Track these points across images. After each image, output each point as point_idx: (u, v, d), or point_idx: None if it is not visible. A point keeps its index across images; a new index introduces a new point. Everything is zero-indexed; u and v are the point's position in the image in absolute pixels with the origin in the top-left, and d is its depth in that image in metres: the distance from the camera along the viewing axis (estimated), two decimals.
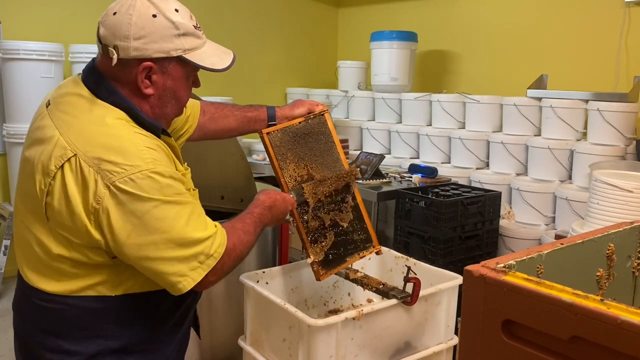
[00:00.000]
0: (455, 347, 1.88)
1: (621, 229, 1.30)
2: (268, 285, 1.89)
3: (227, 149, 2.38)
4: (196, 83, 1.36)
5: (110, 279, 1.24)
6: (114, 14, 1.21)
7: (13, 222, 1.39)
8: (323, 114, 1.74)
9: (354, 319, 1.59)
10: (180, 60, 1.25)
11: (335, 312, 2.09)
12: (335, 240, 1.75)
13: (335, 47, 5.69)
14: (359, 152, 3.79)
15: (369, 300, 2.13)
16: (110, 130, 1.19)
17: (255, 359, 1.80)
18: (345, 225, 1.76)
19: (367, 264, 2.06)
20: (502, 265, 0.98)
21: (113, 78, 1.24)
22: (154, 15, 1.20)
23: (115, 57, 1.19)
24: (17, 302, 1.37)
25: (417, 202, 2.93)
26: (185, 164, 1.42)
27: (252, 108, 1.74)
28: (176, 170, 1.26)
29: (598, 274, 1.25)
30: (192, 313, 1.49)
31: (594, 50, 3.75)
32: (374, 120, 4.47)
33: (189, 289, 1.21)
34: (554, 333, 0.84)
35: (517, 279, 0.90)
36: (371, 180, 3.30)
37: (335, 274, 1.80)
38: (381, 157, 3.46)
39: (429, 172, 3.48)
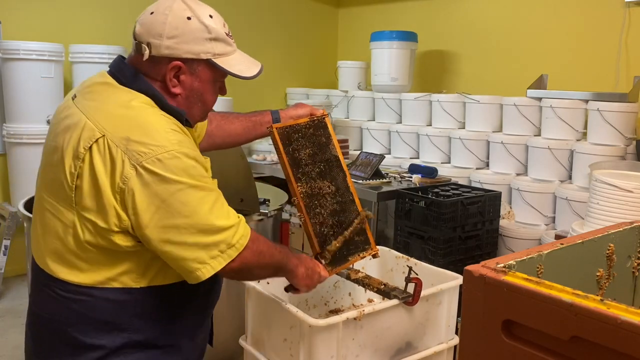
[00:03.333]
0: (455, 347, 1.88)
1: (621, 229, 1.30)
2: (269, 285, 1.89)
3: (227, 149, 2.38)
4: (223, 90, 1.40)
5: (134, 270, 1.25)
6: (151, 13, 1.27)
7: (33, 214, 1.36)
8: (324, 118, 1.77)
9: (355, 319, 1.59)
10: (209, 64, 1.29)
11: (336, 312, 2.10)
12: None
13: (335, 47, 5.69)
14: (359, 152, 3.80)
15: (370, 301, 2.13)
16: (137, 112, 1.22)
17: (257, 358, 1.80)
18: (347, 226, 1.77)
19: (368, 264, 2.06)
20: (502, 265, 0.98)
21: (145, 74, 1.28)
22: (189, 18, 1.25)
23: (147, 53, 1.24)
24: (37, 299, 1.34)
25: (417, 202, 2.94)
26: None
27: (257, 113, 1.78)
28: (203, 160, 1.29)
29: (598, 274, 1.25)
30: (211, 313, 1.50)
31: (594, 50, 3.75)
32: (374, 120, 4.47)
33: (207, 277, 1.22)
34: (554, 333, 0.84)
35: (517, 279, 0.90)
36: (371, 180, 3.30)
37: (337, 274, 1.80)
38: (381, 157, 3.46)
39: (429, 172, 3.49)
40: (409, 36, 4.35)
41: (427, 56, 4.76)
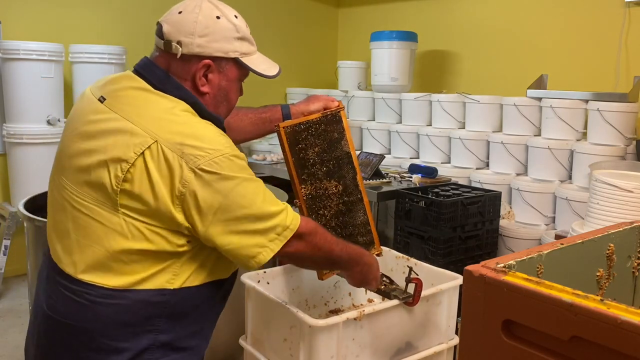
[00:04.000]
0: (455, 347, 1.88)
1: (621, 229, 1.30)
2: (269, 285, 1.90)
3: None
4: (241, 90, 1.42)
5: (171, 270, 1.27)
6: (179, 12, 1.28)
7: (52, 217, 1.37)
8: (339, 111, 1.72)
9: (355, 319, 1.59)
10: (236, 63, 1.33)
11: (336, 312, 2.10)
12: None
13: (335, 47, 5.69)
14: (359, 152, 3.80)
15: (370, 301, 2.13)
16: (185, 119, 1.25)
17: (256, 358, 1.80)
18: (351, 227, 1.76)
19: None
20: (502, 265, 0.98)
21: (175, 73, 1.30)
22: (218, 17, 1.29)
23: (179, 51, 1.26)
24: (56, 305, 1.30)
25: (417, 202, 2.94)
26: None
27: (266, 109, 1.76)
28: None
29: (598, 274, 1.25)
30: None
31: (594, 50, 3.75)
32: (374, 120, 4.47)
33: (268, 259, 1.29)
34: (554, 333, 0.84)
35: (517, 279, 0.90)
36: (371, 180, 3.30)
37: (338, 274, 1.80)
38: (381, 157, 3.46)
39: (429, 172, 3.48)
40: (409, 36, 4.35)
41: (427, 56, 4.76)
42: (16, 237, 3.62)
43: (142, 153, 1.19)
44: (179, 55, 1.27)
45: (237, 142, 1.77)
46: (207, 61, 1.29)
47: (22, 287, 3.76)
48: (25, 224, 2.41)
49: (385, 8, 5.14)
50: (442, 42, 4.68)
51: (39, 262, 2.29)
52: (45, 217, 2.21)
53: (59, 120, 3.67)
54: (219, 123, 1.34)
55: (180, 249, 1.26)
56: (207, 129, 1.26)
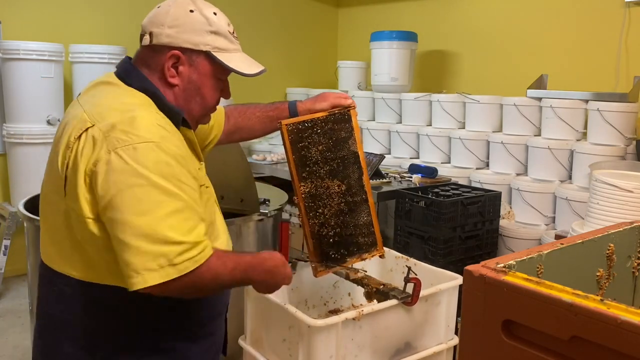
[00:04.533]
0: (455, 347, 1.88)
1: (621, 229, 1.30)
2: None
3: (227, 149, 2.37)
4: (225, 93, 1.39)
5: (118, 268, 1.20)
6: (158, 7, 1.31)
7: (40, 215, 1.36)
8: (349, 110, 1.69)
9: (354, 319, 1.59)
10: (209, 57, 1.30)
11: (335, 312, 2.09)
12: (339, 240, 1.75)
13: (335, 47, 5.69)
14: None
15: (369, 301, 2.13)
16: (129, 107, 1.21)
17: (256, 358, 1.80)
18: (352, 227, 1.75)
19: (367, 264, 2.05)
20: (502, 265, 0.98)
21: (145, 65, 1.30)
22: (191, 10, 1.28)
23: (147, 39, 1.28)
24: (42, 295, 1.33)
25: (417, 202, 2.93)
26: (204, 163, 1.43)
27: (274, 106, 1.72)
28: (190, 164, 1.26)
29: (598, 274, 1.25)
30: (223, 322, 1.48)
31: (594, 50, 3.75)
32: (374, 120, 4.47)
33: (136, 288, 1.11)
34: (554, 333, 0.84)
35: (517, 279, 0.90)
36: (371, 180, 3.29)
37: (336, 273, 1.79)
38: (381, 157, 3.46)
39: (429, 172, 3.48)
40: (409, 36, 4.35)
41: (427, 56, 4.76)
42: (16, 237, 3.61)
43: (80, 136, 1.17)
44: (144, 43, 1.28)
45: (246, 140, 1.76)
46: (175, 52, 1.27)
47: (22, 287, 3.76)
48: (25, 224, 2.41)
49: (385, 8, 5.14)
50: (442, 42, 4.68)
51: (39, 262, 2.30)
52: None
53: (58, 120, 3.67)
54: (176, 116, 1.28)
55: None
56: (146, 117, 1.19)
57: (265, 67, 1.40)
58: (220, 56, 1.29)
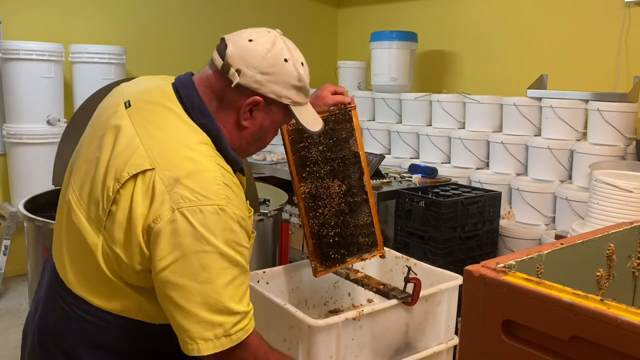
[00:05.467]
0: (455, 347, 1.88)
1: (621, 229, 1.30)
2: (268, 285, 1.89)
3: None
4: (276, 131, 1.37)
5: (151, 307, 1.20)
6: (250, 40, 1.22)
7: (60, 215, 1.28)
8: (349, 110, 1.69)
9: (354, 319, 1.59)
10: (285, 109, 1.27)
11: (335, 312, 2.09)
12: (339, 240, 1.75)
13: (335, 47, 5.69)
14: None
15: (369, 301, 2.13)
16: (193, 155, 1.15)
17: None
18: (352, 227, 1.75)
19: (367, 264, 2.05)
20: (502, 265, 0.98)
21: (217, 98, 1.23)
22: (286, 60, 1.23)
23: (235, 79, 1.19)
24: (49, 309, 1.28)
25: (417, 202, 2.93)
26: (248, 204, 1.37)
27: None
28: (249, 221, 1.22)
29: (598, 274, 1.25)
30: None
31: (594, 50, 3.75)
32: (374, 120, 4.47)
33: (192, 355, 1.12)
34: (554, 333, 0.84)
35: (517, 279, 0.90)
36: (371, 180, 3.29)
37: (335, 273, 1.80)
38: (381, 157, 3.46)
39: (429, 172, 3.48)
40: (409, 36, 4.35)
41: (427, 56, 4.76)
42: (16, 237, 3.62)
43: (136, 175, 1.12)
44: (233, 84, 1.19)
45: None
46: (258, 98, 1.22)
47: (22, 287, 3.76)
48: (25, 224, 2.41)
49: (385, 8, 5.14)
50: (442, 42, 4.68)
51: (39, 262, 2.30)
52: (46, 217, 2.22)
53: (59, 120, 3.67)
54: (235, 164, 1.25)
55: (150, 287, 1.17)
56: (212, 173, 1.13)
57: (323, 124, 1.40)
58: (296, 110, 1.28)
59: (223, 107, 1.23)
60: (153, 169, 1.12)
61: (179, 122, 1.19)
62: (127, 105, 1.23)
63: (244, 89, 1.21)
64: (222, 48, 1.23)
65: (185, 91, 1.23)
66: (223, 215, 1.10)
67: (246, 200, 1.27)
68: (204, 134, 1.20)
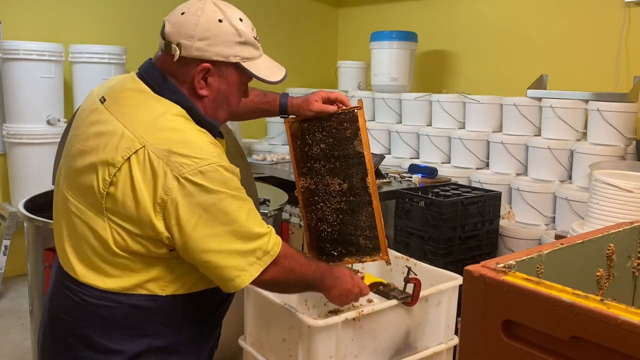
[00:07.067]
0: (455, 347, 1.88)
1: (621, 229, 1.30)
2: None
3: (227, 149, 2.38)
4: (246, 93, 1.40)
5: (163, 277, 1.26)
6: (182, 13, 1.26)
7: (56, 214, 1.36)
8: (354, 111, 1.68)
9: (354, 319, 1.59)
10: (237, 67, 1.30)
11: (335, 312, 2.09)
12: (337, 238, 1.75)
13: (335, 47, 5.69)
14: None
15: (369, 301, 2.13)
16: (176, 125, 1.23)
17: (256, 358, 1.80)
18: (352, 227, 1.75)
19: (367, 264, 2.06)
20: (502, 265, 0.98)
21: (173, 75, 1.28)
22: (220, 20, 1.25)
23: (177, 53, 1.24)
24: (58, 301, 1.33)
25: (417, 202, 2.93)
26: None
27: (266, 99, 1.73)
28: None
29: (598, 274, 1.25)
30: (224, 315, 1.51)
31: (594, 50, 3.75)
32: (374, 120, 4.47)
33: (247, 284, 1.25)
34: (554, 333, 0.84)
35: (517, 279, 0.90)
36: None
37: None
38: (381, 157, 3.46)
39: (429, 172, 3.48)
40: (409, 36, 4.35)
41: (427, 56, 4.76)
42: (16, 237, 3.61)
43: (129, 157, 1.17)
44: (175, 58, 1.24)
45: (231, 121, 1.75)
46: (205, 65, 1.25)
47: (22, 287, 3.76)
48: (25, 224, 2.41)
49: (385, 8, 5.14)
50: (442, 42, 4.68)
51: (39, 262, 2.30)
52: (45, 217, 2.22)
53: (59, 120, 3.67)
54: (213, 129, 1.31)
55: (165, 257, 1.24)
56: (198, 136, 1.23)
57: (285, 68, 1.42)
58: (248, 66, 1.30)
59: (180, 83, 1.28)
60: (143, 146, 1.18)
61: (151, 100, 1.26)
62: (102, 100, 1.29)
63: (189, 60, 1.25)
64: (162, 29, 1.28)
65: (149, 74, 1.29)
66: (221, 170, 1.20)
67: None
68: (179, 108, 1.26)
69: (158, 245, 1.22)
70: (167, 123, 1.22)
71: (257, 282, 1.27)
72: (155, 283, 1.26)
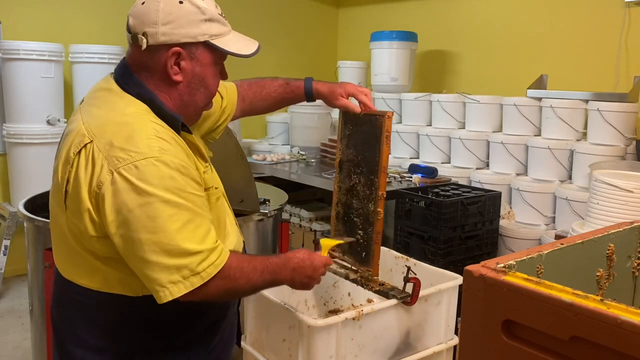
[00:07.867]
0: (455, 347, 1.88)
1: (621, 229, 1.30)
2: None
3: (227, 149, 2.38)
4: (224, 74, 1.37)
5: (127, 277, 1.22)
6: (142, 3, 1.23)
7: (51, 222, 1.40)
8: (377, 118, 1.63)
9: (353, 319, 1.59)
10: (207, 46, 1.26)
11: (335, 312, 2.09)
12: (347, 221, 1.76)
13: (335, 47, 5.69)
14: None
15: (369, 301, 2.13)
16: (126, 119, 1.19)
17: (256, 358, 1.80)
18: (354, 227, 1.74)
19: None
20: (502, 265, 0.98)
21: (144, 68, 1.26)
22: (180, 2, 1.22)
23: (144, 43, 1.21)
24: (56, 299, 1.37)
25: (417, 202, 2.93)
26: (209, 162, 1.42)
27: (290, 88, 1.73)
28: (196, 168, 1.26)
29: (598, 274, 1.25)
30: (230, 321, 1.48)
31: (594, 50, 3.75)
32: None
33: (165, 301, 1.16)
34: (554, 333, 0.84)
35: (517, 279, 0.90)
36: None
37: (335, 273, 1.79)
38: None
39: (429, 172, 3.48)
40: (409, 36, 4.35)
41: (427, 56, 4.76)
42: (16, 237, 3.62)
43: (79, 152, 1.16)
44: (143, 47, 1.22)
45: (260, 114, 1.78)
46: (175, 49, 1.22)
47: (22, 287, 3.76)
48: (25, 224, 2.42)
49: (385, 8, 5.14)
50: (442, 42, 4.68)
51: (39, 262, 2.30)
52: (45, 217, 2.22)
53: (58, 120, 3.68)
54: (175, 122, 1.27)
55: (117, 257, 1.19)
56: (144, 130, 1.17)
57: (257, 41, 1.37)
58: (218, 42, 1.27)
59: (151, 74, 1.26)
60: (91, 141, 1.17)
61: (115, 98, 1.25)
62: (81, 102, 1.32)
63: (158, 48, 1.23)
64: (127, 24, 1.26)
65: (118, 72, 1.29)
66: (160, 165, 1.14)
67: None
68: (140, 102, 1.24)
69: (105, 244, 1.19)
70: (119, 117, 1.20)
71: (191, 297, 1.17)
72: (121, 285, 1.23)
